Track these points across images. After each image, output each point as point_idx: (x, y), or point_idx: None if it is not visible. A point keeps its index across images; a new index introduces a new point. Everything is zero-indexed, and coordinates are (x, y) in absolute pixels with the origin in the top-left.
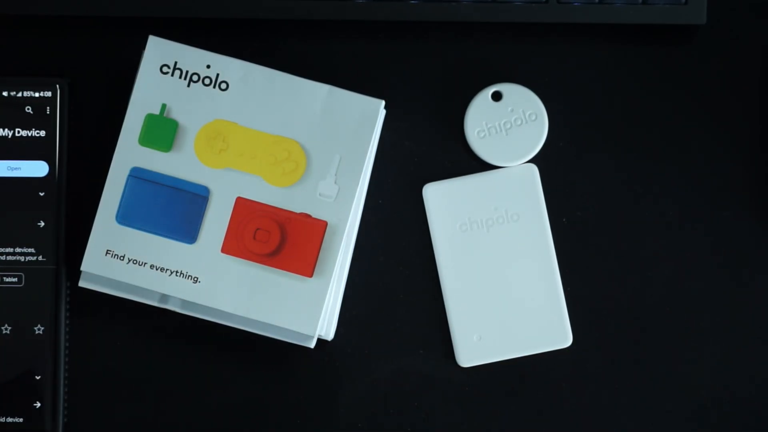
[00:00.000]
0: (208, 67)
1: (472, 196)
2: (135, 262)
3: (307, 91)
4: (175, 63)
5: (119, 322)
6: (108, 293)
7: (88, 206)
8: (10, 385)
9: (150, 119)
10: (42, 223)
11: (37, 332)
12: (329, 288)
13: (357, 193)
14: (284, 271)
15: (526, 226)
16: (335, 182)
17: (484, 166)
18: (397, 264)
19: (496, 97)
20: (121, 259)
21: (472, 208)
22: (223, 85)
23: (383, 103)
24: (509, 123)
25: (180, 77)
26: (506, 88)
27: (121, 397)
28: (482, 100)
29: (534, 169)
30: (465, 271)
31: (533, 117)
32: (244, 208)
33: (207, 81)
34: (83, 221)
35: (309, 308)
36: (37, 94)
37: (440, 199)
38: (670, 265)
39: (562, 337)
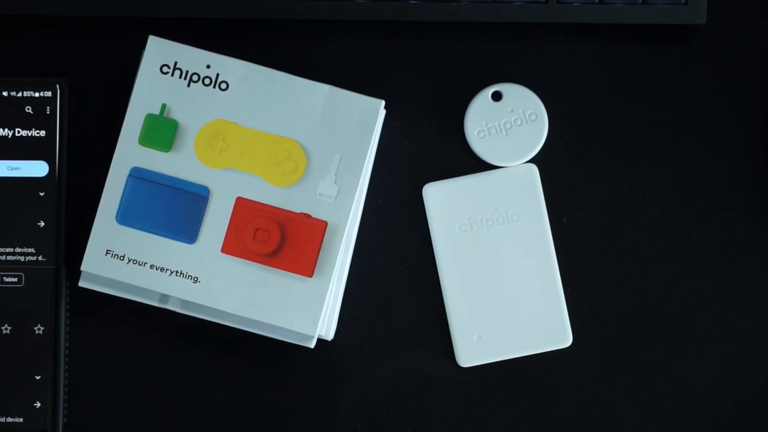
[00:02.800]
0: (208, 67)
1: (472, 196)
2: (135, 262)
3: (307, 91)
4: (175, 63)
5: (119, 322)
6: (108, 293)
7: (88, 206)
8: (10, 385)
9: (150, 119)
10: (42, 223)
11: (37, 332)
12: (329, 288)
13: (357, 193)
14: (284, 271)
15: (526, 226)
16: (335, 182)
17: (484, 166)
18: (397, 264)
19: (496, 97)
20: (121, 259)
21: (472, 208)
22: (223, 85)
23: (383, 103)
24: (509, 123)
25: (180, 77)
26: (506, 88)
27: (121, 397)
28: (482, 100)
29: (534, 169)
30: (465, 271)
31: (533, 117)
32: (244, 208)
33: (207, 81)
34: (83, 221)
35: (309, 308)
36: (37, 94)
37: (440, 199)
38: (670, 265)
39: (562, 337)
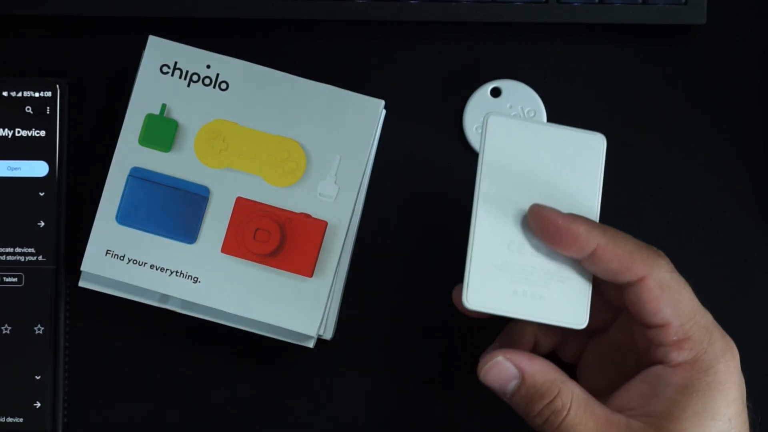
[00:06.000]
0: (208, 67)
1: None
2: (135, 262)
3: (307, 91)
4: (175, 63)
5: (119, 322)
6: (108, 293)
7: (88, 206)
8: (10, 385)
9: (150, 119)
10: (42, 223)
11: (37, 332)
12: (329, 288)
13: (357, 193)
14: (284, 271)
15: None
16: (335, 182)
17: None
18: (397, 264)
19: (495, 93)
20: (121, 259)
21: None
22: (223, 85)
23: (383, 103)
24: None
25: (180, 77)
26: (505, 84)
27: (121, 397)
28: (481, 96)
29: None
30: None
31: (532, 113)
32: (244, 208)
33: (207, 81)
34: (83, 221)
35: (309, 308)
36: (37, 94)
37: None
38: None
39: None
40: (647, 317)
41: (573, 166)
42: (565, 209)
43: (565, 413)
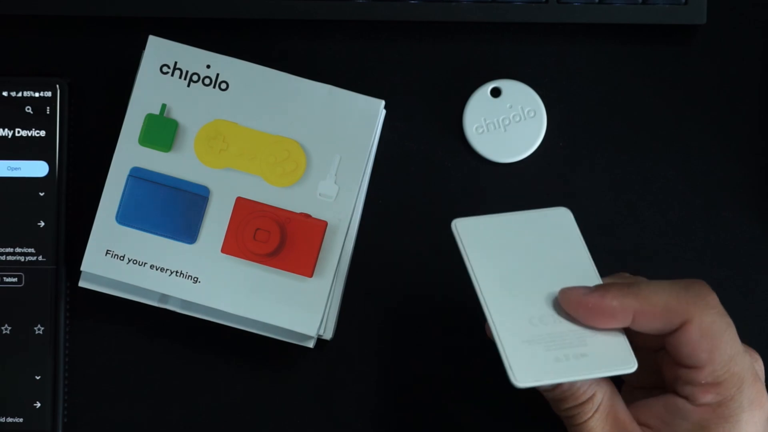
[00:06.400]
0: (208, 67)
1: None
2: (135, 262)
3: (307, 91)
4: (175, 63)
5: (119, 322)
6: (108, 293)
7: (88, 206)
8: (10, 385)
9: (150, 119)
10: (42, 223)
11: (37, 332)
12: (329, 288)
13: (357, 193)
14: (284, 271)
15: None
16: (335, 182)
17: (483, 163)
18: (397, 264)
19: (495, 93)
20: (121, 259)
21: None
22: (223, 85)
23: (383, 103)
24: (508, 119)
25: (180, 77)
26: (505, 85)
27: (121, 397)
28: (481, 95)
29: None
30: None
31: (532, 114)
32: (244, 208)
33: (207, 81)
34: (83, 221)
35: (309, 308)
36: (37, 94)
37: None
38: (670, 265)
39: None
40: (681, 358)
41: (554, 242)
42: (569, 282)
43: (589, 416)
